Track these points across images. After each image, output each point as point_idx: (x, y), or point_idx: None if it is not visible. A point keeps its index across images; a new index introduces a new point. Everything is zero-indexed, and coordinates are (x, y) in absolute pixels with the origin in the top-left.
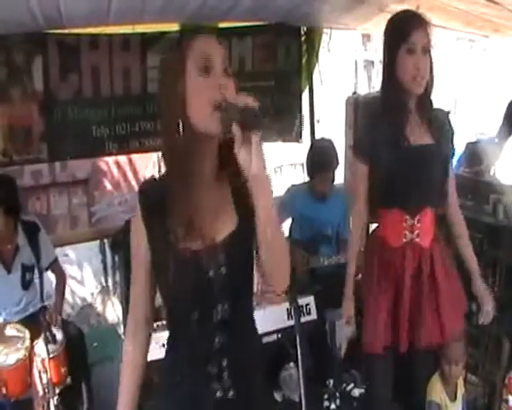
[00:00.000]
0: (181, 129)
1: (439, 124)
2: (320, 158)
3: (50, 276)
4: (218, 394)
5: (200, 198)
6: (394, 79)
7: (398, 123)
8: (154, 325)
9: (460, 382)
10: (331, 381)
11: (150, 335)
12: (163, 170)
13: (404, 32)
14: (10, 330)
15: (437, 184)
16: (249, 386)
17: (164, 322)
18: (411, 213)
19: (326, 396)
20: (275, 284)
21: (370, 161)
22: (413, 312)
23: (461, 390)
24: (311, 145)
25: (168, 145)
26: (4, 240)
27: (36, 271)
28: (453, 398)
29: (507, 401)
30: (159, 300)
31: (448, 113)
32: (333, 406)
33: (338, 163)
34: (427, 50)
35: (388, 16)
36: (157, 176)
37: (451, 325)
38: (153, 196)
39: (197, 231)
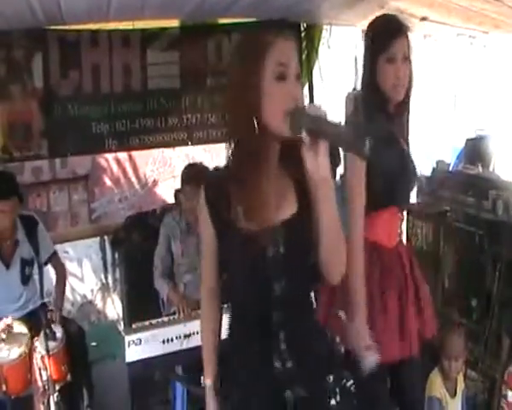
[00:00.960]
0: (256, 128)
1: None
2: None
3: (50, 273)
4: (277, 364)
5: (264, 185)
6: (375, 86)
7: (384, 125)
8: (154, 321)
9: (460, 378)
10: (331, 377)
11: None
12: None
13: (384, 42)
14: (9, 326)
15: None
16: (307, 358)
17: (164, 319)
18: (402, 211)
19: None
20: (330, 275)
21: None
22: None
23: (461, 386)
24: None
25: (239, 140)
26: (3, 235)
27: (35, 265)
28: (453, 394)
29: (506, 397)
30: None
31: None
32: (333, 401)
33: (340, 160)
34: (406, 58)
35: (388, 12)
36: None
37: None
38: (217, 184)
39: (258, 211)
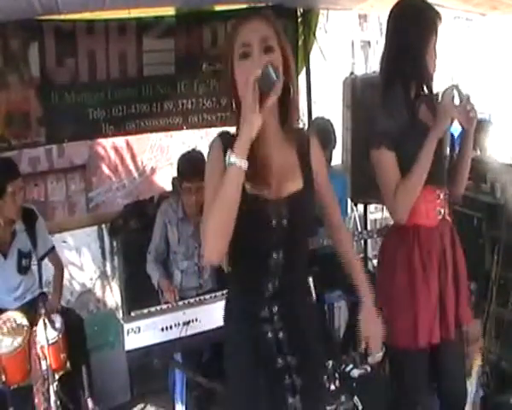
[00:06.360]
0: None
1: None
2: (318, 136)
3: (49, 263)
4: (270, 335)
5: (270, 156)
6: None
7: (414, 104)
8: (153, 309)
9: (476, 358)
10: (330, 362)
11: None
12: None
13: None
14: (9, 317)
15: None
16: (299, 329)
17: (163, 307)
18: (441, 188)
19: (325, 377)
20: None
21: (399, 146)
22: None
23: (476, 366)
24: (309, 125)
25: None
26: (2, 226)
27: (33, 257)
28: (469, 374)
29: None
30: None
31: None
32: (332, 386)
33: (335, 142)
34: None
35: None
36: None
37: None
38: (229, 143)
39: (266, 182)
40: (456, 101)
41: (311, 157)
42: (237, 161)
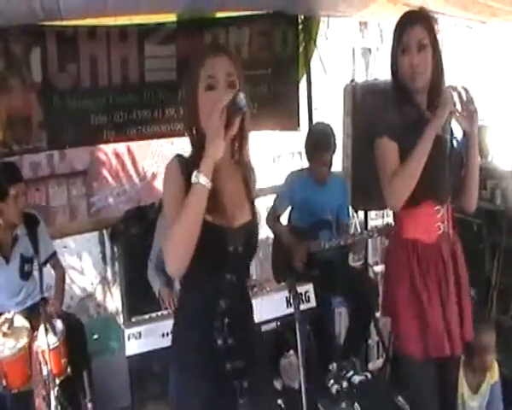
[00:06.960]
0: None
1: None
2: (318, 140)
3: (50, 268)
4: (220, 342)
5: (224, 186)
6: (395, 77)
7: (415, 116)
8: (154, 314)
9: (491, 372)
10: (334, 365)
11: None
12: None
13: (399, 34)
14: (6, 318)
15: (454, 171)
16: (246, 336)
17: (163, 312)
18: (441, 203)
19: (332, 381)
20: None
21: (402, 140)
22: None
23: (489, 382)
24: (310, 129)
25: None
26: (4, 230)
27: (35, 262)
28: (476, 390)
29: None
30: (176, 288)
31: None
32: (337, 387)
33: (335, 146)
34: (424, 46)
35: (385, 3)
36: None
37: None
38: (186, 165)
39: (223, 212)
40: (457, 99)
41: (253, 190)
42: (204, 180)
